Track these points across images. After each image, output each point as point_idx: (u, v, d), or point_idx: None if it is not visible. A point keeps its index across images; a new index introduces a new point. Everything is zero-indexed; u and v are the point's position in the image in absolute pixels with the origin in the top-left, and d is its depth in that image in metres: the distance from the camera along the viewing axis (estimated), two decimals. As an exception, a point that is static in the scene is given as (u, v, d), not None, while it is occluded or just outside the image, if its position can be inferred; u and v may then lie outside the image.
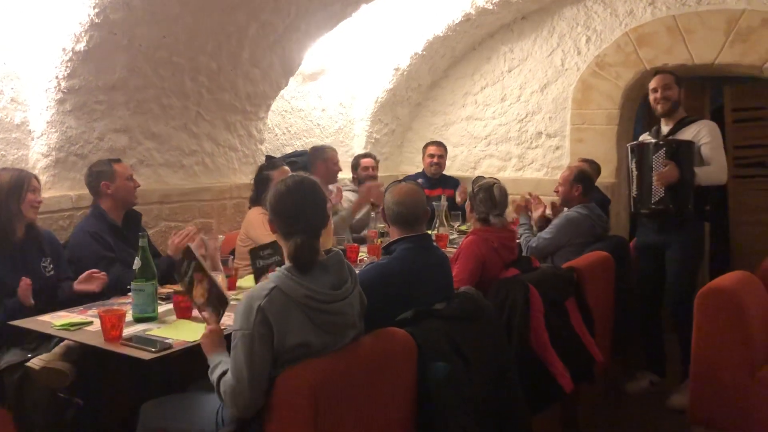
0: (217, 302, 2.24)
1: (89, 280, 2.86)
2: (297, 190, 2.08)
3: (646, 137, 3.99)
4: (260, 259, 2.79)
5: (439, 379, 2.21)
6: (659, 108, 3.83)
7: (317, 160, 4.40)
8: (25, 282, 2.69)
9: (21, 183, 2.84)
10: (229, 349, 2.00)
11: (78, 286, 2.87)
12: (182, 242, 3.11)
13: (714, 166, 3.71)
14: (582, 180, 4.02)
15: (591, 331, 3.25)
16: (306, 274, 1.99)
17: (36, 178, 2.96)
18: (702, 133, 3.73)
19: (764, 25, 4.50)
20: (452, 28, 5.22)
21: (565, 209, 4.09)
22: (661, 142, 3.72)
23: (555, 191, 4.15)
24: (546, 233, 3.90)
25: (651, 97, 3.88)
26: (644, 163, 3.77)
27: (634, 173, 3.86)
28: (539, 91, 5.47)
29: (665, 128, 3.85)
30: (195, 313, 2.47)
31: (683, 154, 3.67)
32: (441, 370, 2.22)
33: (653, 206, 3.74)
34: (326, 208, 2.16)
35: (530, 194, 4.41)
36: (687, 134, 3.75)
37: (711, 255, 5.33)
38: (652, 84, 3.88)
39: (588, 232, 3.89)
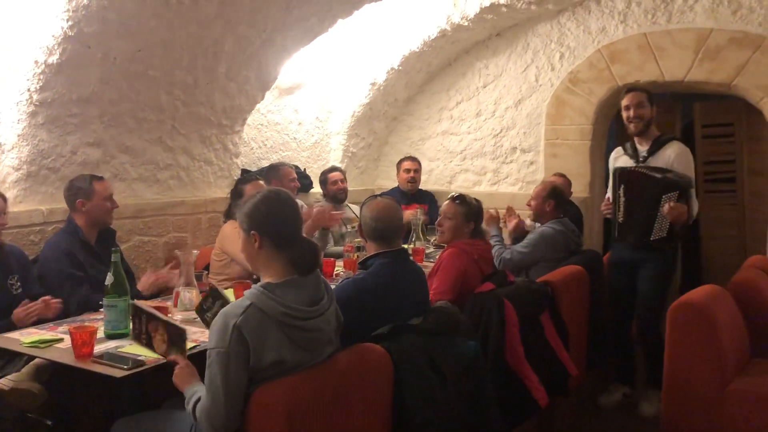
0: (178, 339, 2.22)
1: (45, 308, 2.73)
2: (283, 198, 2.08)
3: (619, 153, 3.90)
4: (206, 312, 2.64)
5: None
6: (632, 127, 3.76)
7: (273, 179, 4.33)
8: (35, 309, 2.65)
9: None
10: (201, 374, 1.97)
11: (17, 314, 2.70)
12: (160, 284, 3.18)
13: (693, 204, 3.69)
14: (555, 196, 4.04)
15: (566, 345, 3.28)
16: (290, 288, 1.97)
17: (2, 197, 2.89)
18: (675, 162, 3.65)
19: (732, 43, 4.61)
20: (428, 44, 5.27)
21: (536, 224, 4.12)
22: (669, 177, 3.57)
23: (527, 205, 4.17)
24: (521, 247, 3.92)
25: (624, 114, 3.80)
26: (642, 196, 3.66)
27: (621, 199, 3.74)
28: (514, 107, 5.53)
29: (641, 148, 3.77)
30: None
31: (689, 196, 3.63)
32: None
33: (651, 240, 3.66)
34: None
35: (509, 207, 4.42)
36: (662, 157, 3.69)
37: (682, 270, 5.40)
38: (624, 101, 3.79)
39: (562, 247, 3.92)
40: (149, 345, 2.30)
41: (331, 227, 4.50)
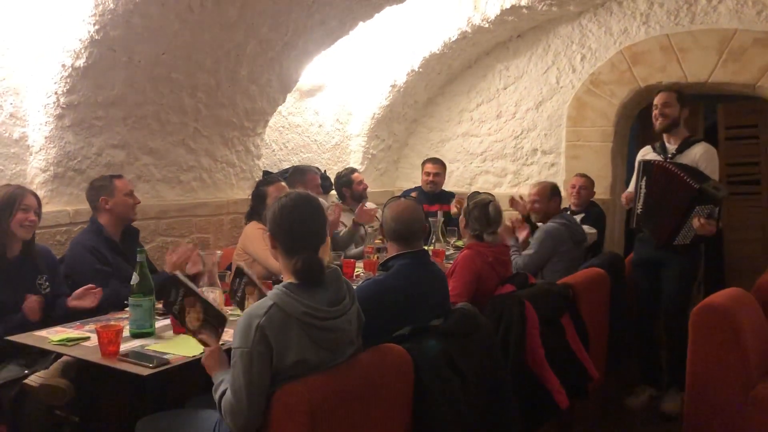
0: (216, 322, 2.23)
1: (84, 296, 2.84)
2: (302, 206, 2.09)
3: (648, 151, 3.96)
4: (236, 293, 2.76)
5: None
6: (657, 124, 3.85)
7: (297, 183, 4.33)
8: (33, 300, 2.70)
9: (12, 201, 2.80)
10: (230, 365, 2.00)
11: (72, 302, 2.84)
12: (179, 260, 3.15)
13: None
14: (557, 193, 4.14)
15: (586, 348, 3.26)
16: (313, 289, 2.00)
17: (34, 195, 2.92)
18: (700, 160, 3.70)
19: (756, 44, 4.56)
20: (449, 46, 5.27)
21: (540, 224, 4.14)
22: (707, 189, 3.56)
23: (531, 209, 4.15)
24: (529, 250, 3.94)
25: (653, 113, 3.89)
26: (668, 195, 3.69)
27: (642, 191, 3.81)
28: (534, 108, 5.52)
29: (670, 146, 3.84)
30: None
31: (721, 207, 3.66)
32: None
33: (673, 244, 3.71)
34: (327, 224, 2.18)
35: (520, 197, 4.51)
36: (689, 156, 3.74)
37: (705, 272, 5.35)
38: (654, 100, 3.88)
39: (568, 238, 3.93)
40: (181, 318, 2.30)
41: (366, 223, 4.52)
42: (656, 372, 4.01)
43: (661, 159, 3.82)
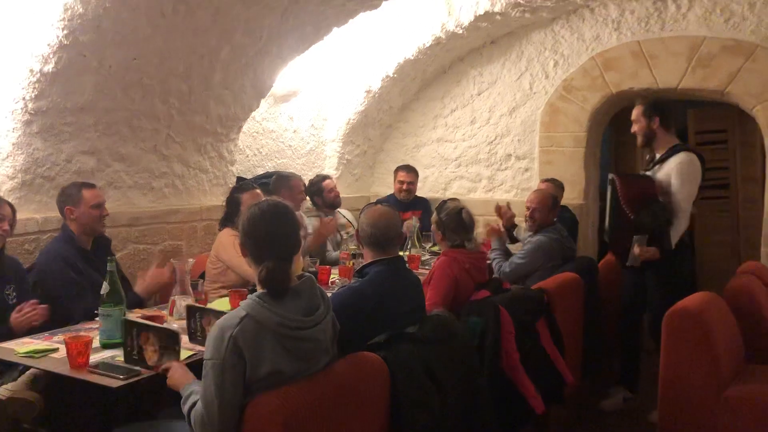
0: (171, 342, 2.21)
1: (27, 313, 2.68)
2: (271, 215, 2.06)
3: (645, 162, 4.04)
4: (196, 333, 2.65)
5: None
6: (638, 141, 3.90)
7: (282, 188, 4.30)
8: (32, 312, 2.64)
9: None
10: (197, 376, 1.97)
11: (15, 317, 2.68)
12: (153, 283, 3.16)
13: (680, 221, 3.71)
14: (557, 206, 4.15)
15: (561, 352, 3.28)
16: (278, 299, 1.97)
17: (9, 205, 2.89)
18: (673, 172, 3.71)
19: (724, 51, 4.65)
20: (423, 52, 5.29)
21: (530, 234, 4.14)
22: (641, 220, 3.64)
23: (531, 217, 4.11)
24: (518, 258, 3.94)
25: None
26: (619, 217, 3.75)
27: (608, 206, 3.87)
28: (508, 114, 5.55)
29: (657, 155, 3.86)
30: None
31: (665, 236, 3.68)
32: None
33: (627, 265, 3.79)
34: (299, 233, 2.16)
35: (508, 204, 4.58)
36: (667, 166, 3.76)
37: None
38: None
39: (558, 254, 3.95)
40: (141, 360, 2.26)
41: (329, 235, 4.52)
42: (633, 373, 4.03)
43: (647, 171, 3.87)
